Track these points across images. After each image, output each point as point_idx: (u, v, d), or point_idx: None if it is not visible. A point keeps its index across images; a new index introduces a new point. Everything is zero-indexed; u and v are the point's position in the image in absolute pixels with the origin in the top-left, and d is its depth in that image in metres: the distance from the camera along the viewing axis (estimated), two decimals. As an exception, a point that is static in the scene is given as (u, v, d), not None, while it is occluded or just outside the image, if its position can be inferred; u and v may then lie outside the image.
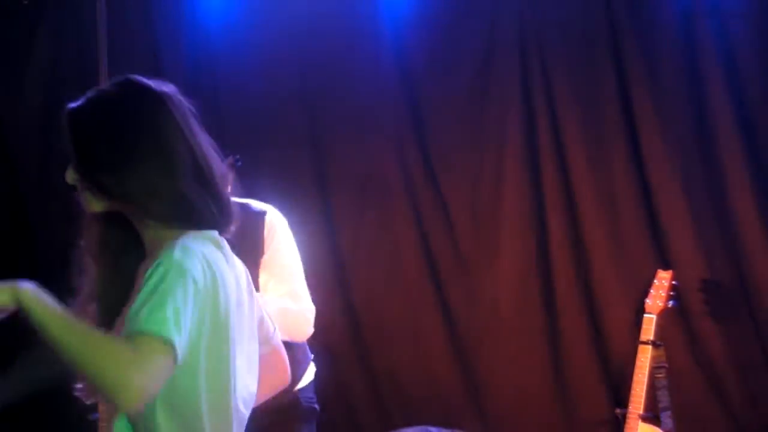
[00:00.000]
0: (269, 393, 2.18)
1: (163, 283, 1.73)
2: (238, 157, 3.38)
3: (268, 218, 3.11)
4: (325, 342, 4.18)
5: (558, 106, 4.15)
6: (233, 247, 2.01)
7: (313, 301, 3.19)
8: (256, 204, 3.14)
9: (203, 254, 1.83)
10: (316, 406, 3.28)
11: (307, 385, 3.24)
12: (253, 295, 2.05)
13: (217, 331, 1.86)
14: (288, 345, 2.38)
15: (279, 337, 2.19)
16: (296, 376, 3.09)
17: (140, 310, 1.70)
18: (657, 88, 4.05)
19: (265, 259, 3.06)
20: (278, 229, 3.13)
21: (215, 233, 1.93)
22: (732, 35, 3.98)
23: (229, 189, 3.29)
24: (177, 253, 1.78)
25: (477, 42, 4.24)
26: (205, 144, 1.97)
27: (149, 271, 1.76)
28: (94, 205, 1.92)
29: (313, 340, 3.28)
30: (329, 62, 4.31)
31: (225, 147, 3.60)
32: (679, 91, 4.05)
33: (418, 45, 4.29)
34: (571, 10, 4.12)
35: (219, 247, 1.92)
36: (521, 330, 4.18)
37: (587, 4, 4.12)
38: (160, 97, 1.93)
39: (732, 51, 3.98)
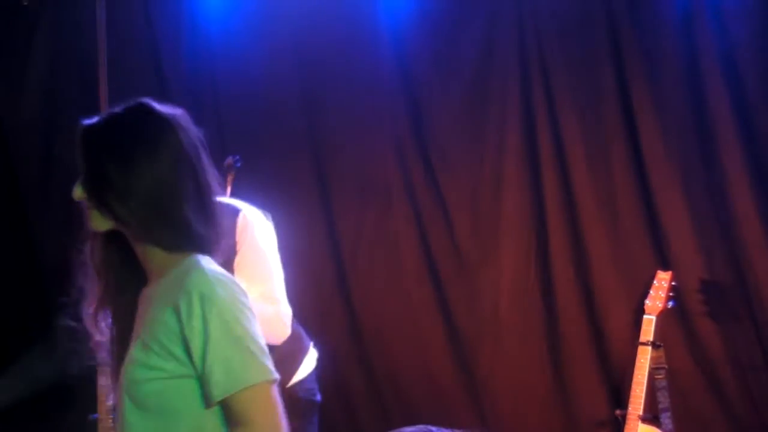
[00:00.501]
0: None
1: (234, 328, 1.81)
2: (238, 157, 3.37)
3: (240, 217, 2.93)
4: (325, 342, 4.19)
5: (558, 107, 4.15)
6: None
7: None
8: (232, 202, 2.99)
9: (230, 279, 1.88)
10: (317, 397, 3.18)
11: (306, 377, 3.13)
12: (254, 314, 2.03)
13: None
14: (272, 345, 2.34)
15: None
16: (290, 373, 3.04)
17: (230, 367, 1.79)
18: (657, 87, 4.04)
19: (239, 260, 2.88)
20: (252, 227, 2.94)
21: None
22: (732, 35, 3.97)
23: (229, 189, 3.27)
24: (219, 291, 1.82)
25: (477, 42, 4.23)
26: (209, 168, 1.98)
27: (193, 310, 1.80)
28: (100, 223, 1.93)
29: (313, 340, 3.27)
30: (329, 63, 4.32)
31: (225, 148, 3.60)
32: (678, 90, 4.05)
33: (418, 45, 4.29)
34: (570, 10, 4.12)
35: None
36: (521, 330, 4.18)
37: (587, 5, 4.12)
38: (170, 124, 1.93)
39: (732, 51, 3.98)
